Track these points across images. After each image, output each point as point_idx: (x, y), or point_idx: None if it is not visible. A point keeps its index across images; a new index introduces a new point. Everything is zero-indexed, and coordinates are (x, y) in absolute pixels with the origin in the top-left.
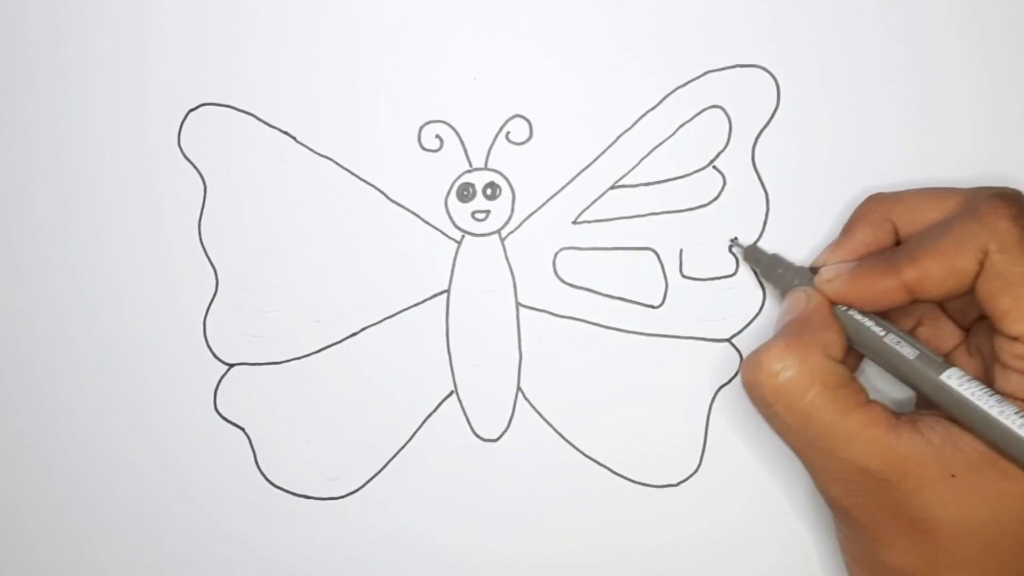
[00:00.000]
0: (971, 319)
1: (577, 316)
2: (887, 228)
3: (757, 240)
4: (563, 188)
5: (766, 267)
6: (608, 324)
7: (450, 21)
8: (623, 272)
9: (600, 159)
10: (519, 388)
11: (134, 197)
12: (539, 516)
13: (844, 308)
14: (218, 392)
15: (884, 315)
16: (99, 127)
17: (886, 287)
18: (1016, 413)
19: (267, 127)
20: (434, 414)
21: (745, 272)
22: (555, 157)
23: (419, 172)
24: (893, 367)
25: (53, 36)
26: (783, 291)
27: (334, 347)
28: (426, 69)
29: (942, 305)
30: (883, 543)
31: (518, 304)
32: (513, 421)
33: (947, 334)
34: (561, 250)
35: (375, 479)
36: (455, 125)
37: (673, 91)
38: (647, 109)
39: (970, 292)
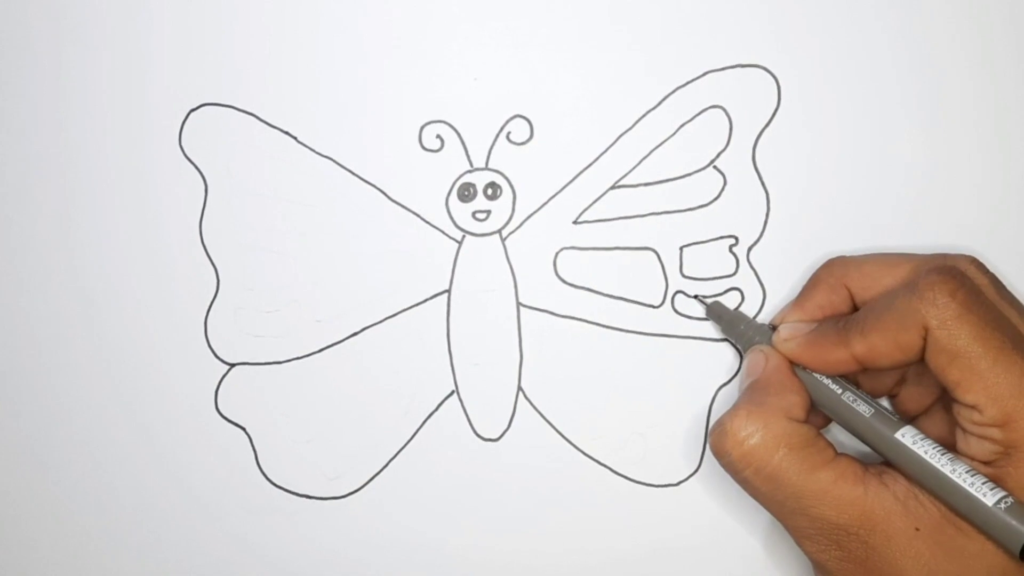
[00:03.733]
0: None
1: (578, 316)
2: (843, 293)
3: (754, 244)
4: (564, 188)
5: (728, 324)
6: (609, 324)
7: (451, 21)
8: (624, 272)
9: (601, 159)
10: (520, 388)
11: (135, 197)
12: (540, 516)
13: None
14: (219, 392)
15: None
16: (100, 127)
17: (837, 358)
18: (967, 472)
19: (268, 127)
20: (435, 414)
21: (746, 271)
22: (556, 157)
23: (420, 172)
24: (850, 425)
25: (54, 36)
26: (744, 347)
27: (335, 347)
28: (427, 69)
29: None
30: None
31: (519, 304)
32: (514, 421)
33: (929, 389)
34: (562, 250)
35: (376, 479)
36: (456, 125)
37: (674, 91)
38: (648, 109)
39: (921, 361)
